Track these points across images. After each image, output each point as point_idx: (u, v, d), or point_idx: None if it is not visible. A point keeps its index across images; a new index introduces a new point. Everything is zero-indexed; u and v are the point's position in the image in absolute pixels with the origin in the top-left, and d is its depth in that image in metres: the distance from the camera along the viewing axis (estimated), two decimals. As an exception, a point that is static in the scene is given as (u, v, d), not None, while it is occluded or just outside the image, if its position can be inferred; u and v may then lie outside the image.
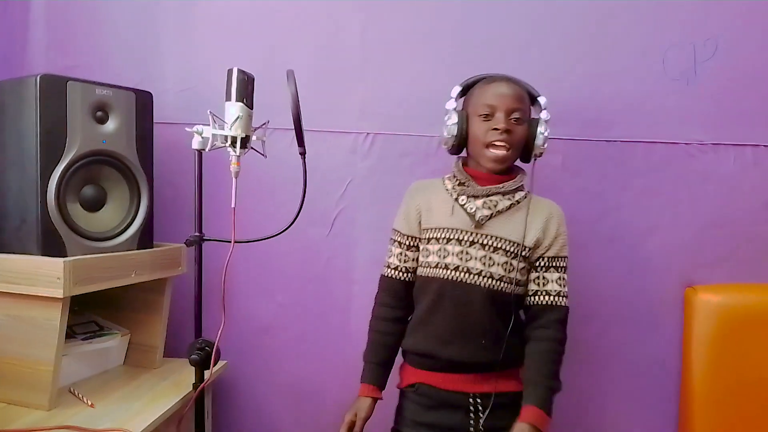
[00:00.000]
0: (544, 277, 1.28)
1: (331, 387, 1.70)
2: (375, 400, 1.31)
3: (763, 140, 1.58)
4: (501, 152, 1.24)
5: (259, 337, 1.72)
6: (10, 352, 1.26)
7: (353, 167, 1.68)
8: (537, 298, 1.28)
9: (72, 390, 1.37)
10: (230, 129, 1.23)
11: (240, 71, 1.24)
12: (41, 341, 1.24)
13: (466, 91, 1.34)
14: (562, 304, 1.28)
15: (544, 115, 1.30)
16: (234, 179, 1.25)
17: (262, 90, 1.29)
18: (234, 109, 1.23)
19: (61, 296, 1.20)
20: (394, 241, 1.37)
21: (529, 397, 1.21)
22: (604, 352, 1.64)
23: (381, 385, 1.33)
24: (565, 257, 1.30)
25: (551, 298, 1.27)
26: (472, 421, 1.26)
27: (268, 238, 1.31)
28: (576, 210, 1.62)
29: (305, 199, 1.27)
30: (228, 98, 1.24)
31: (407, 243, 1.35)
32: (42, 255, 1.25)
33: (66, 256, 1.26)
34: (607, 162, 1.62)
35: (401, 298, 1.36)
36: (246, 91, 1.25)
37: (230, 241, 1.26)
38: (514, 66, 1.60)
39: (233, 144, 1.24)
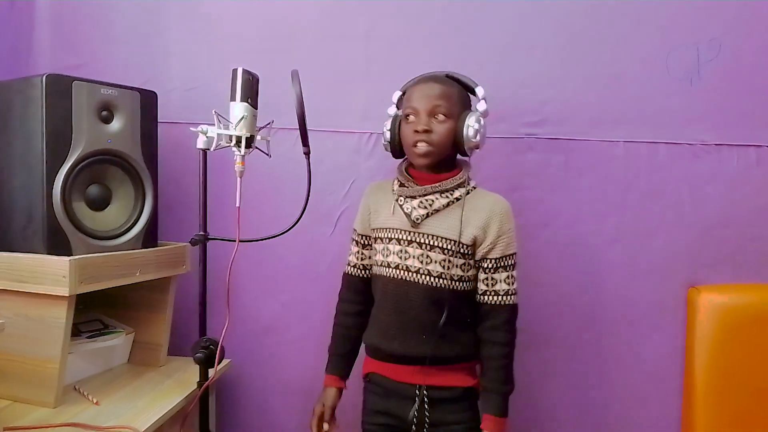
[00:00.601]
0: (492, 278, 1.30)
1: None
2: (340, 389, 1.40)
3: (766, 141, 1.58)
4: (423, 149, 1.27)
5: (263, 336, 1.73)
6: (16, 349, 1.26)
7: (357, 167, 1.68)
8: (486, 297, 1.30)
9: (77, 388, 1.37)
10: (235, 129, 1.24)
11: (245, 71, 1.25)
12: (47, 339, 1.25)
13: (405, 93, 1.37)
14: (510, 302, 1.30)
15: (480, 106, 1.31)
16: (239, 179, 1.26)
17: (265, 90, 1.30)
18: (239, 108, 1.24)
19: (67, 294, 1.21)
20: (353, 239, 1.44)
21: (486, 405, 1.29)
22: (608, 352, 1.64)
23: (344, 376, 1.41)
24: (512, 254, 1.31)
25: (500, 297, 1.29)
26: (416, 412, 1.29)
27: (272, 237, 1.32)
28: (579, 209, 1.63)
29: (309, 198, 1.28)
30: (233, 98, 1.25)
31: (362, 242, 1.42)
32: (48, 254, 1.25)
33: (71, 255, 1.26)
34: (611, 162, 1.62)
35: (360, 293, 1.42)
36: (251, 91, 1.26)
37: (235, 240, 1.27)
38: (519, 67, 1.63)
39: (238, 144, 1.25)
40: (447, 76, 1.34)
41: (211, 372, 1.30)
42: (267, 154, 1.31)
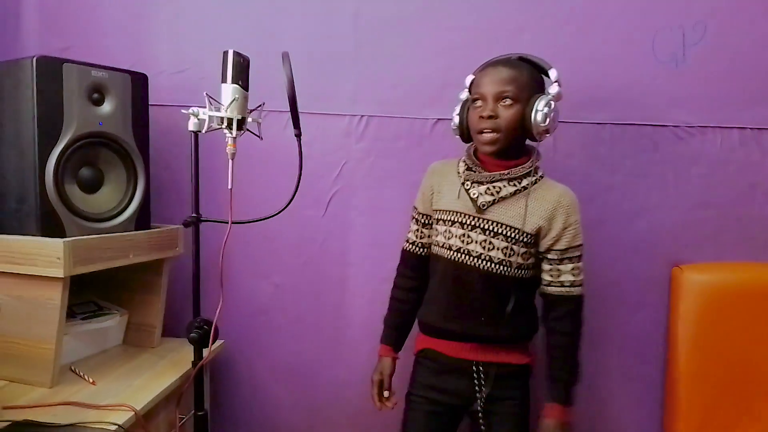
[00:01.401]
0: (558, 269, 1.31)
1: (326, 365, 1.74)
2: (394, 359, 1.44)
3: (748, 123, 1.60)
4: (488, 135, 1.26)
5: (256, 317, 1.75)
6: (12, 331, 1.28)
7: (348, 150, 1.70)
8: (552, 288, 1.32)
9: (73, 368, 1.39)
10: (226, 111, 1.24)
11: (236, 53, 1.25)
12: (43, 320, 1.26)
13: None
14: (576, 293, 1.31)
15: (553, 89, 1.27)
16: (230, 161, 1.27)
17: (255, 73, 1.30)
18: (230, 91, 1.24)
19: (62, 276, 1.22)
20: (413, 217, 1.46)
21: (552, 394, 1.31)
22: (594, 330, 1.66)
23: (397, 347, 1.46)
24: (578, 246, 1.31)
25: (565, 289, 1.31)
26: (476, 387, 1.33)
27: (264, 219, 1.33)
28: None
29: (300, 180, 1.29)
30: (224, 80, 1.25)
31: (423, 221, 1.43)
32: (41, 236, 1.27)
33: (65, 237, 1.27)
34: (598, 144, 1.64)
35: (417, 269, 1.45)
36: (242, 73, 1.26)
37: (227, 222, 1.28)
38: (506, 50, 1.62)
39: (229, 126, 1.25)
40: (520, 58, 1.32)
41: (206, 352, 1.32)
42: (258, 136, 1.32)
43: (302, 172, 1.29)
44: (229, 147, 1.27)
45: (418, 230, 1.44)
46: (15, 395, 1.23)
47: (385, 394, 1.42)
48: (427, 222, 1.42)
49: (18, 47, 1.70)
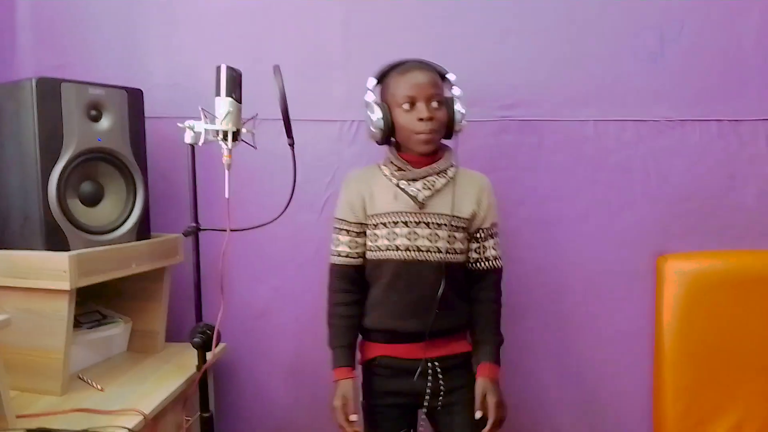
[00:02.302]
0: (483, 246, 1.41)
1: (325, 365, 1.77)
2: (353, 379, 1.39)
3: (726, 115, 1.66)
4: (428, 136, 1.32)
5: (256, 320, 1.80)
6: (21, 343, 1.32)
7: (339, 154, 1.75)
8: (479, 264, 1.41)
9: (81, 376, 1.44)
10: (221, 123, 1.29)
11: (228, 68, 1.30)
12: (51, 331, 1.31)
13: (380, 81, 1.39)
14: (498, 266, 1.42)
15: (456, 92, 1.37)
16: (227, 171, 1.32)
17: (247, 82, 1.34)
18: (224, 104, 1.29)
19: (68, 288, 1.27)
20: (341, 230, 1.42)
21: (482, 355, 1.38)
22: (583, 319, 1.73)
23: (353, 366, 1.41)
24: (496, 223, 1.43)
25: (490, 263, 1.41)
26: (430, 383, 1.37)
27: (262, 226, 1.38)
28: (553, 187, 1.71)
29: (295, 186, 1.34)
30: (218, 94, 1.30)
31: (356, 230, 1.40)
32: (46, 250, 1.31)
33: (69, 250, 1.32)
34: (581, 141, 1.70)
35: (354, 282, 1.42)
36: (235, 86, 1.31)
37: (225, 230, 1.33)
38: (492, 53, 1.70)
39: (225, 138, 1.30)
40: (425, 63, 1.37)
41: (209, 355, 1.37)
42: (253, 147, 1.36)
43: (296, 179, 1.34)
44: (225, 158, 1.32)
45: (351, 241, 1.40)
46: (27, 404, 1.27)
47: (353, 417, 1.34)
48: (360, 231, 1.40)
49: (14, 65, 1.74)
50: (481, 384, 1.34)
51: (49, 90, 1.31)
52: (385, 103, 1.36)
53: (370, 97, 1.38)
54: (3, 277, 1.33)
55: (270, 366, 1.81)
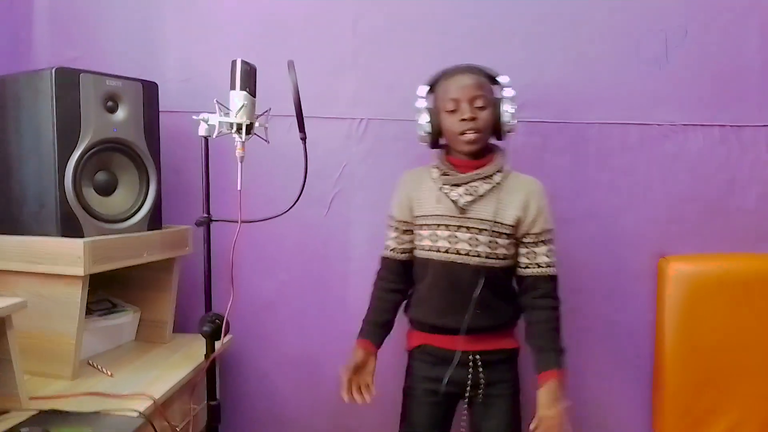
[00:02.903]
0: (534, 252, 1.40)
1: (330, 358, 1.81)
2: (369, 353, 1.43)
3: (728, 121, 1.69)
4: (472, 136, 1.36)
5: (263, 312, 1.82)
6: (34, 327, 1.34)
7: (348, 152, 1.78)
8: (530, 270, 1.40)
9: (90, 362, 1.46)
10: (236, 116, 1.32)
11: (243, 62, 1.33)
12: (63, 317, 1.33)
13: (432, 88, 1.45)
14: (552, 273, 1.41)
15: (507, 92, 1.40)
16: (239, 164, 1.34)
17: (259, 79, 1.36)
18: (238, 97, 1.32)
19: (82, 274, 1.29)
20: (391, 226, 1.51)
21: (546, 363, 1.35)
22: (586, 319, 1.76)
23: (376, 342, 1.46)
24: (550, 230, 1.42)
25: (542, 269, 1.40)
26: (471, 375, 1.41)
27: (273, 218, 1.40)
28: (557, 188, 1.73)
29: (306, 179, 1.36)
30: (233, 87, 1.33)
31: (402, 228, 1.48)
32: (61, 236, 1.34)
33: (83, 237, 1.34)
34: (586, 143, 1.73)
35: (399, 274, 1.50)
36: (249, 80, 1.33)
37: (237, 222, 1.35)
38: (499, 54, 1.71)
39: (239, 130, 1.33)
40: (473, 67, 1.42)
41: (218, 345, 1.39)
42: (266, 140, 1.39)
43: (307, 174, 1.37)
44: (238, 151, 1.34)
45: (397, 237, 1.49)
46: (39, 387, 1.29)
47: (366, 385, 1.39)
48: (406, 229, 1.48)
49: (31, 57, 1.78)
50: (549, 388, 1.31)
51: (68, 80, 1.34)
52: (436, 109, 1.41)
53: (421, 103, 1.44)
54: (18, 262, 1.35)
55: (275, 358, 1.84)
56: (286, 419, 1.85)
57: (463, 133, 1.36)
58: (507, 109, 1.38)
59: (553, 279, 1.41)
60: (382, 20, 1.74)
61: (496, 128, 1.40)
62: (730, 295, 1.64)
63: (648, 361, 1.74)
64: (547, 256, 1.40)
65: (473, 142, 1.36)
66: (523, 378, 1.48)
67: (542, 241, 1.40)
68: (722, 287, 1.64)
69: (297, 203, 1.38)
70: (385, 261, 1.52)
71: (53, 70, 1.31)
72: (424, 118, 1.42)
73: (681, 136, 1.71)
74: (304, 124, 1.34)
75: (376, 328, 1.47)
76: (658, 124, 1.71)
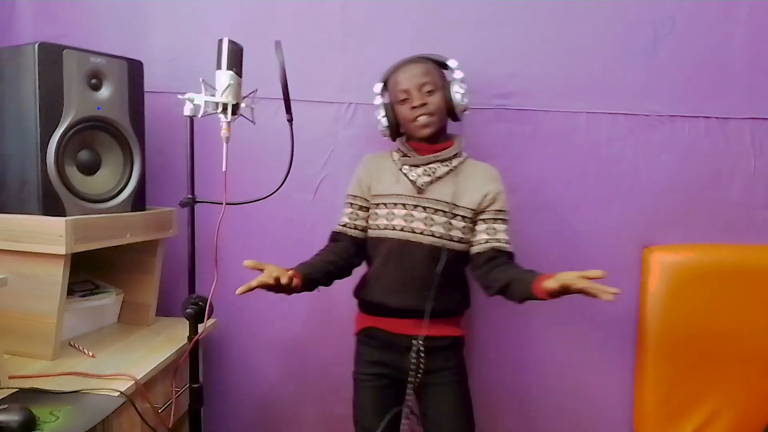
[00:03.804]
0: (494, 228, 1.42)
1: (313, 342, 1.82)
2: (292, 273, 1.31)
3: (714, 113, 1.70)
4: (425, 119, 1.40)
5: (247, 295, 1.78)
6: (15, 306, 1.33)
7: (336, 136, 1.77)
8: (490, 244, 1.40)
9: (72, 343, 1.45)
10: (221, 96, 1.30)
11: (230, 41, 1.31)
12: (45, 296, 1.32)
13: (386, 84, 1.50)
14: (512, 251, 1.42)
15: (456, 75, 1.44)
16: (225, 144, 1.33)
17: (244, 60, 1.34)
18: (225, 77, 1.31)
19: (64, 253, 1.28)
20: (347, 203, 1.52)
21: (531, 275, 1.30)
22: (569, 309, 1.75)
23: (300, 274, 1.34)
24: (507, 211, 1.45)
25: (502, 244, 1.41)
26: (413, 360, 1.41)
27: (258, 200, 1.39)
28: (544, 176, 1.74)
29: (292, 162, 1.35)
30: (219, 67, 1.31)
31: (358, 204, 1.50)
32: (42, 215, 1.32)
33: (65, 216, 1.33)
34: (574, 132, 1.73)
35: (344, 248, 1.48)
36: (236, 60, 1.32)
37: (222, 203, 1.34)
38: (489, 42, 1.72)
39: (224, 110, 1.32)
40: (420, 56, 1.46)
41: (201, 327, 1.39)
42: (251, 121, 1.38)
43: (293, 157, 1.36)
44: (223, 131, 1.33)
45: (352, 212, 1.50)
46: (19, 367, 1.28)
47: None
48: (362, 206, 1.49)
49: (13, 34, 1.74)
50: (548, 277, 1.26)
51: (51, 56, 1.32)
52: (390, 102, 1.47)
53: (378, 100, 1.50)
54: (-2, 240, 1.34)
55: (259, 341, 1.83)
56: (269, 402, 1.85)
57: (415, 119, 1.41)
58: (457, 90, 1.42)
59: (512, 257, 1.42)
60: (372, 4, 1.73)
61: (450, 110, 1.44)
62: (712, 285, 1.65)
63: (630, 349, 1.75)
64: (506, 235, 1.43)
65: (427, 126, 1.41)
66: (470, 366, 1.51)
67: (501, 219, 1.43)
68: (705, 277, 1.66)
69: (283, 186, 1.38)
70: (334, 234, 1.51)
71: (36, 46, 1.29)
72: (381, 113, 1.48)
73: (667, 127, 1.72)
74: (290, 106, 1.33)
75: (301, 267, 1.38)
76: (645, 115, 1.72)
